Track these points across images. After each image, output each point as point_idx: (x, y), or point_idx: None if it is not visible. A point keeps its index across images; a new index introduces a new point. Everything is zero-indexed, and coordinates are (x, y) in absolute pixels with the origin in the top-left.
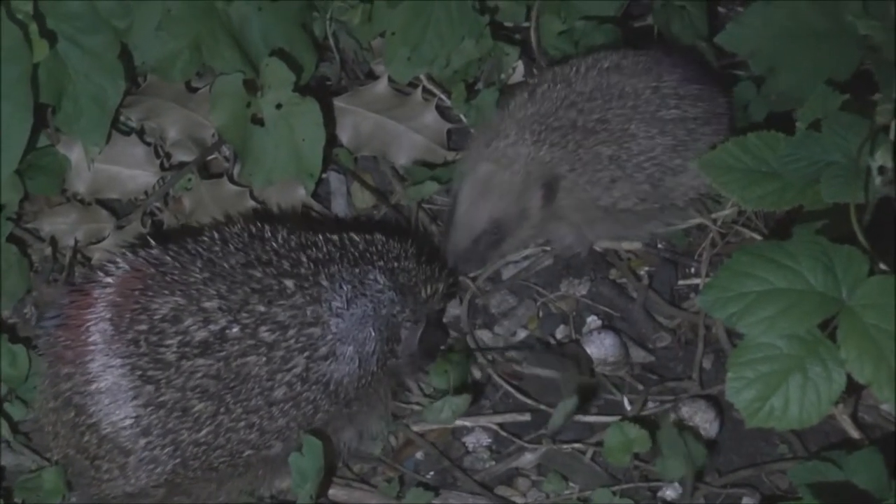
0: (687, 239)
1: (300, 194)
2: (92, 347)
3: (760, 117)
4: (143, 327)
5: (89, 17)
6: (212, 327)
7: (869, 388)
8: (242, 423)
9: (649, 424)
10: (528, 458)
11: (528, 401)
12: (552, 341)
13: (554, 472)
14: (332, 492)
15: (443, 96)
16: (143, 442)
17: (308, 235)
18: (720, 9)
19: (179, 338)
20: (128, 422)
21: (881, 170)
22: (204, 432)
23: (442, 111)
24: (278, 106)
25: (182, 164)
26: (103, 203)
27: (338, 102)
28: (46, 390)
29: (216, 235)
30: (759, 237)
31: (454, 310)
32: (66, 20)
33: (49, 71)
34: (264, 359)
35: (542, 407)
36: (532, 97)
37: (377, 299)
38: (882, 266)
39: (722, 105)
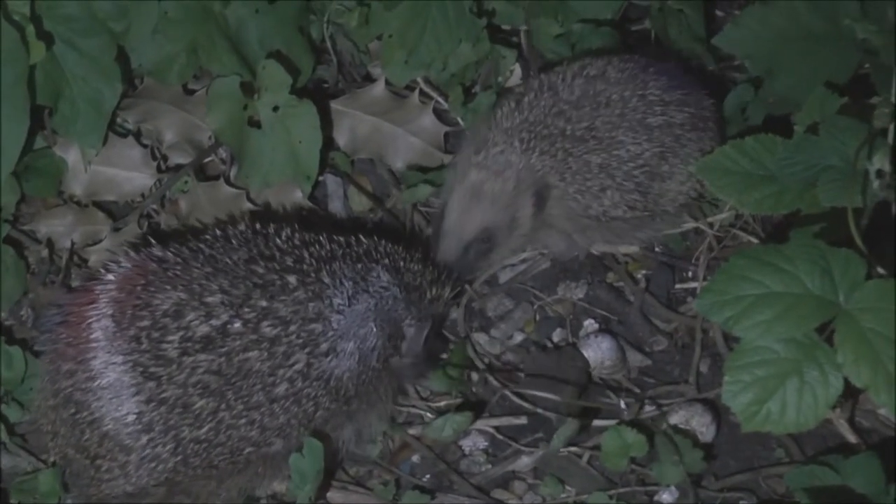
0: (684, 243)
1: (297, 197)
2: (94, 344)
3: (758, 120)
4: (145, 323)
5: (86, 20)
6: (214, 322)
7: (866, 392)
8: (243, 420)
9: (646, 428)
10: (524, 462)
11: (525, 404)
12: (549, 345)
13: (550, 475)
14: (328, 494)
15: (440, 99)
16: (144, 439)
17: (311, 234)
18: (717, 12)
19: (181, 333)
20: (130, 418)
21: (879, 173)
22: (205, 429)
23: (439, 114)
24: (275, 108)
25: (179, 167)
26: (100, 205)
27: (335, 105)
28: (46, 388)
29: (218, 233)
30: (756, 241)
31: (451, 313)
32: (62, 22)
33: (46, 73)
34: (266, 354)
35: (539, 411)
36: (519, 106)
37: (380, 295)
38: (880, 270)
39: (708, 108)
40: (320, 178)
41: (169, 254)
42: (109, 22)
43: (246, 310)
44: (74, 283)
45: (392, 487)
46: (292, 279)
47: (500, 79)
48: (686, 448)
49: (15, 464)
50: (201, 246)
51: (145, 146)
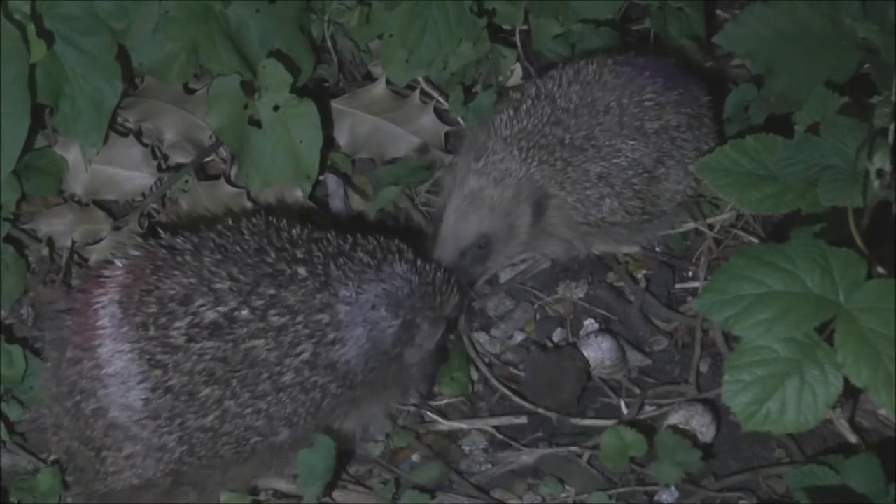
0: (685, 243)
1: (297, 196)
2: (101, 332)
3: (760, 120)
4: (153, 309)
5: (87, 19)
6: (221, 309)
7: (866, 392)
8: (249, 409)
9: (646, 428)
10: (524, 461)
11: (525, 404)
12: (549, 344)
13: (550, 475)
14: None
15: (440, 99)
16: (151, 427)
17: (321, 231)
18: (718, 11)
19: (189, 319)
20: (137, 405)
21: (879, 173)
22: (211, 418)
23: (440, 114)
24: (276, 108)
25: (179, 166)
26: (100, 204)
27: (335, 104)
28: (50, 376)
29: (230, 222)
30: (756, 241)
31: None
32: (63, 21)
33: (47, 72)
34: (273, 343)
35: (540, 410)
36: (517, 114)
37: (394, 284)
38: (880, 269)
39: (704, 106)
40: (321, 178)
41: (179, 241)
42: (110, 21)
43: (254, 297)
44: (75, 283)
45: (392, 486)
46: (302, 270)
47: (500, 78)
48: (686, 448)
49: (15, 462)
50: (212, 235)
51: (146, 145)
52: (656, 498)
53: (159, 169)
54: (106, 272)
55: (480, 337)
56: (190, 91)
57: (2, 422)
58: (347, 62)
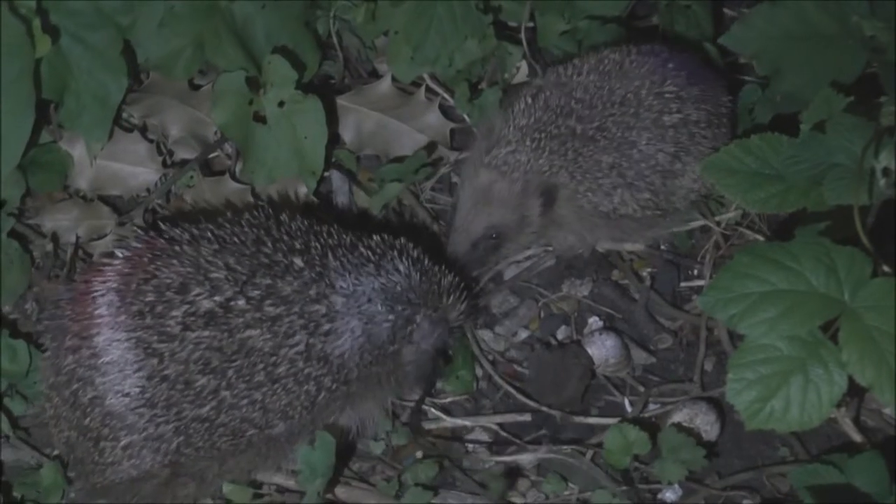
0: (690, 241)
1: (302, 192)
2: (98, 320)
3: (766, 120)
4: (150, 298)
5: (92, 14)
6: (217, 298)
7: (871, 390)
8: (245, 401)
9: (650, 426)
10: (527, 459)
11: (529, 402)
12: (553, 342)
13: (553, 472)
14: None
15: (446, 96)
16: (148, 416)
17: (324, 225)
18: (725, 10)
19: (185, 307)
20: (134, 391)
21: (885, 172)
22: (207, 408)
23: (445, 110)
24: (281, 104)
25: (184, 162)
26: (105, 200)
27: (341, 101)
28: (49, 366)
29: (228, 215)
30: (762, 239)
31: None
32: (69, 16)
33: (52, 67)
34: (268, 333)
35: (543, 408)
36: (535, 102)
37: (392, 278)
38: (885, 268)
39: (725, 105)
40: (325, 174)
41: (177, 231)
42: (115, 16)
43: (250, 287)
44: (77, 279)
45: (395, 483)
46: (298, 260)
47: (506, 75)
48: (689, 446)
49: (18, 457)
50: (211, 227)
51: (151, 141)
52: (660, 496)
53: (164, 165)
54: (105, 262)
55: (484, 334)
56: (195, 87)
57: (5, 416)
58: (353, 59)
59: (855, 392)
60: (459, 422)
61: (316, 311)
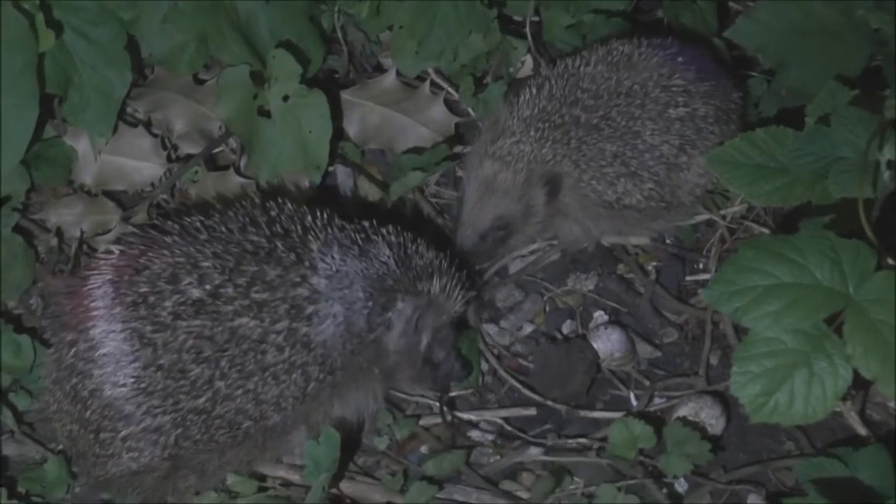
0: (695, 234)
1: (306, 186)
2: (94, 313)
3: (771, 113)
4: (144, 289)
5: (96, 9)
6: (206, 286)
7: (876, 384)
8: (239, 391)
9: (655, 420)
10: (533, 453)
11: (534, 396)
12: (559, 336)
13: (559, 467)
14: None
15: (451, 90)
16: (144, 407)
17: (314, 209)
18: (730, 3)
19: (176, 297)
20: (130, 381)
21: (889, 164)
22: (203, 399)
23: (450, 105)
24: (285, 98)
25: (189, 156)
26: (110, 194)
27: (345, 95)
28: (52, 362)
29: (218, 206)
30: (767, 232)
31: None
32: (72, 11)
33: (56, 61)
34: (256, 320)
35: (549, 402)
36: (540, 93)
37: (372, 263)
38: (890, 261)
39: (734, 101)
40: (330, 169)
41: (169, 223)
42: (119, 11)
43: (237, 274)
44: (74, 273)
45: (400, 478)
46: (280, 244)
47: (510, 69)
48: (695, 440)
49: (23, 452)
50: (201, 218)
51: (155, 136)
52: (665, 490)
53: (168, 159)
54: (101, 255)
55: (490, 328)
56: (199, 81)
57: (10, 411)
58: (357, 53)
59: (860, 385)
60: (464, 416)
61: (298, 294)
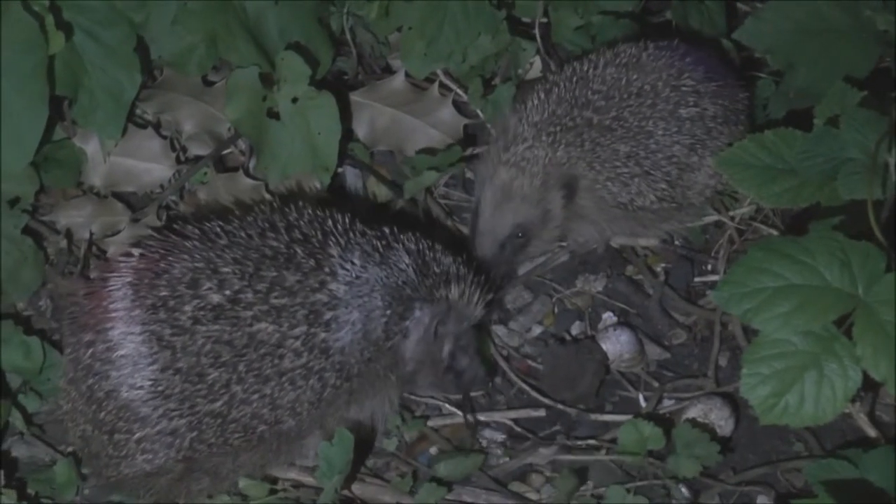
0: (704, 236)
1: (316, 188)
2: (113, 314)
3: (779, 115)
4: (164, 292)
5: (105, 10)
6: (226, 292)
7: (885, 385)
8: (256, 396)
9: (664, 422)
10: (542, 455)
11: (543, 397)
12: (568, 337)
13: (568, 468)
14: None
15: (459, 91)
16: (161, 410)
17: (335, 214)
18: (739, 4)
19: (196, 302)
20: (147, 384)
21: None
22: (219, 403)
23: (458, 106)
24: (294, 100)
25: (198, 158)
26: (119, 196)
27: (354, 97)
28: (68, 362)
29: (237, 211)
30: (776, 234)
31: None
32: (82, 13)
33: (65, 63)
34: (274, 325)
35: (558, 404)
36: (548, 97)
37: (392, 271)
38: None
39: (741, 101)
40: (339, 170)
41: (189, 227)
42: (129, 12)
43: (256, 280)
44: (93, 275)
45: (409, 479)
46: (299, 250)
47: (519, 71)
48: (704, 441)
49: (32, 454)
50: (220, 223)
51: (164, 137)
52: (674, 492)
53: (178, 161)
54: (121, 258)
55: (499, 330)
56: (208, 83)
57: (20, 413)
58: (366, 54)
59: (869, 387)
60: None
61: (318, 300)
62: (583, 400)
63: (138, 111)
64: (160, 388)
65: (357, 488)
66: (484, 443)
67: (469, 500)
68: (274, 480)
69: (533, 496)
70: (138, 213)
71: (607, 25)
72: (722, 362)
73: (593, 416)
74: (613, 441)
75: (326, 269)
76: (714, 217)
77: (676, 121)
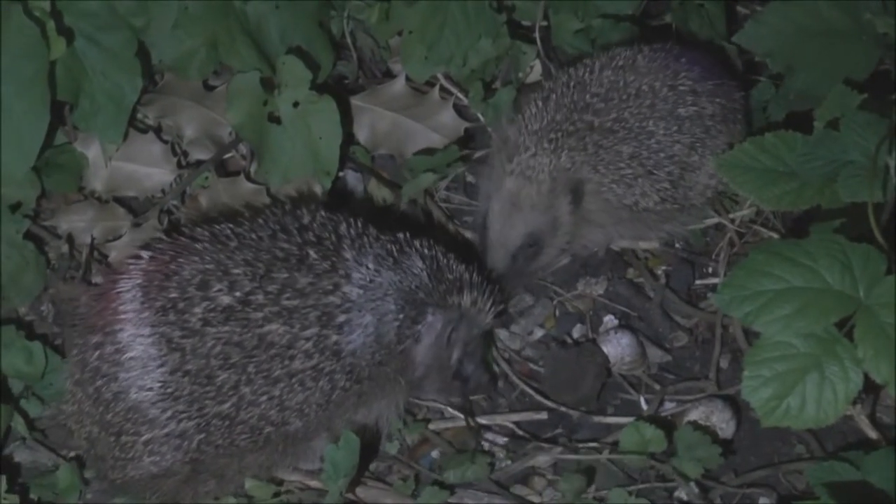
0: (704, 238)
1: (317, 192)
2: (122, 316)
3: (779, 117)
4: (174, 294)
5: (106, 15)
6: (237, 293)
7: (886, 387)
8: (264, 397)
9: (666, 424)
10: (544, 458)
11: (545, 400)
12: (569, 340)
13: (570, 471)
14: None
15: (460, 95)
16: (170, 412)
17: (337, 216)
18: (739, 8)
19: (206, 304)
20: (157, 386)
21: None
22: (228, 405)
23: (459, 110)
24: (295, 104)
25: (199, 162)
26: (120, 201)
27: (355, 101)
28: (75, 363)
29: (247, 214)
30: (777, 236)
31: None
32: (83, 18)
33: (67, 68)
34: (285, 327)
35: (560, 407)
36: (546, 105)
37: (406, 276)
38: None
39: (738, 101)
40: (340, 174)
41: (199, 229)
42: (130, 17)
43: (267, 281)
44: (94, 279)
45: (411, 483)
46: (313, 252)
47: (520, 74)
48: (706, 444)
49: (35, 459)
50: (231, 225)
51: (165, 142)
52: (676, 494)
53: (179, 165)
54: (131, 260)
55: (500, 333)
56: (209, 87)
57: (21, 418)
58: (367, 59)
59: (870, 389)
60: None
61: (330, 302)
62: (584, 403)
63: (139, 116)
64: (169, 390)
65: (359, 491)
66: (486, 446)
67: (471, 502)
68: (280, 482)
69: (535, 499)
70: (139, 217)
71: (607, 29)
72: (723, 365)
73: (595, 419)
74: (615, 444)
75: (341, 272)
76: (715, 220)
77: (676, 120)
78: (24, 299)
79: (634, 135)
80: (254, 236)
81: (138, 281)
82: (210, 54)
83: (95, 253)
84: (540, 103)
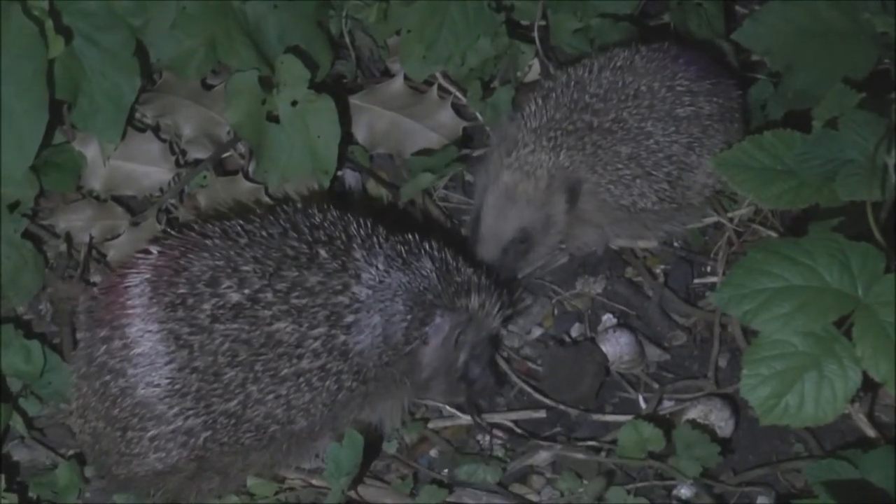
0: (703, 237)
1: (315, 191)
2: (130, 311)
3: (778, 116)
4: (183, 290)
5: (105, 15)
6: (246, 290)
7: (885, 386)
8: (271, 396)
9: (664, 423)
10: (542, 456)
11: (544, 399)
12: (567, 339)
13: (568, 470)
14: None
15: (459, 94)
16: (177, 408)
17: (349, 216)
18: (737, 7)
19: (215, 300)
20: (164, 382)
21: None
22: (234, 402)
23: (458, 109)
24: (294, 103)
25: (197, 161)
26: (119, 200)
27: (353, 100)
28: (81, 357)
29: (258, 210)
30: (775, 235)
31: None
32: (81, 17)
33: (65, 68)
34: (293, 325)
35: (559, 406)
36: (546, 103)
37: (416, 277)
38: None
39: (735, 100)
40: (339, 173)
41: (209, 226)
42: (128, 17)
43: (276, 279)
44: (93, 278)
45: (410, 481)
46: (323, 251)
47: (518, 74)
48: (704, 442)
49: (33, 458)
50: (241, 222)
51: (164, 141)
52: (674, 492)
53: (177, 164)
54: (140, 255)
55: None
56: (208, 87)
57: (20, 417)
58: (365, 58)
59: (869, 387)
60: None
61: (339, 301)
62: (583, 401)
63: (138, 115)
64: (177, 387)
65: (358, 490)
66: (484, 444)
67: (470, 501)
68: (282, 480)
69: (534, 497)
70: (138, 216)
71: (606, 28)
72: (722, 363)
73: (594, 418)
74: (614, 442)
75: (350, 272)
76: (713, 219)
77: (674, 120)
78: (23, 298)
79: (633, 135)
80: (264, 234)
81: (147, 276)
82: (208, 54)
83: (94, 252)
84: (539, 101)
